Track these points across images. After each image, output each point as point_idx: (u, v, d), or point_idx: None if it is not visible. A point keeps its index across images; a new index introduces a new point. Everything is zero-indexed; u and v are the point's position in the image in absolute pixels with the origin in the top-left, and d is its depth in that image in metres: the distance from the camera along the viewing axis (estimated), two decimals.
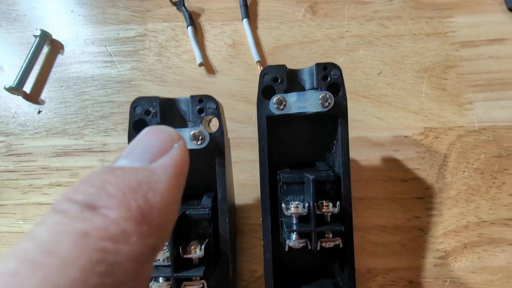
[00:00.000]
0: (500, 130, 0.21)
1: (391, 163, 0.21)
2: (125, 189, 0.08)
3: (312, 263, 0.17)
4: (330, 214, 0.14)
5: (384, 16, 0.24)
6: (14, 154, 0.22)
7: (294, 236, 0.14)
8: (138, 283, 0.07)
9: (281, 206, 0.15)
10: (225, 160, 0.14)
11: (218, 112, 0.14)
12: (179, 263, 0.14)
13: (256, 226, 0.20)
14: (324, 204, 0.14)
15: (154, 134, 0.09)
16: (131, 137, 0.14)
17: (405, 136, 0.21)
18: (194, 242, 0.14)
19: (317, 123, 0.17)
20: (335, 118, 0.15)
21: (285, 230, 0.14)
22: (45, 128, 0.22)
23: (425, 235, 0.20)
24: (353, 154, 0.20)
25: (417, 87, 0.22)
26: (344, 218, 0.15)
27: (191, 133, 0.14)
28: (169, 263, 0.14)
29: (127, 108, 0.21)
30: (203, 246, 0.14)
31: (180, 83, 0.23)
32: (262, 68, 0.21)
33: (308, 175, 0.14)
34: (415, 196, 0.20)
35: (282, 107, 0.15)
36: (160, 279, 0.14)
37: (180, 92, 0.23)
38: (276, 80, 0.15)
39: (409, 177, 0.21)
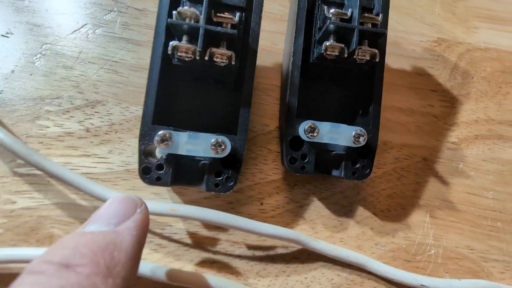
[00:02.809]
0: (503, 52, 0.23)
1: (408, 59, 0.21)
2: (95, 249, 0.09)
3: (336, 98, 0.16)
4: (371, 25, 0.14)
5: None
6: None
7: (331, 38, 0.14)
8: None
9: (322, 11, 0.14)
10: None
11: None
12: (210, 23, 0.12)
13: (272, 86, 0.19)
14: (366, 15, 0.14)
15: (119, 201, 0.11)
16: None
17: (421, 41, 0.22)
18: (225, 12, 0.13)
19: None
20: None
21: (320, 36, 0.14)
22: None
23: (439, 121, 0.19)
24: None
25: (431, 8, 0.24)
26: (382, 41, 0.14)
27: None
28: (197, 24, 0.12)
29: None
30: (237, 16, 0.13)
31: None
32: None
33: None
34: (430, 89, 0.21)
35: None
36: (184, 40, 0.12)
37: None
38: None
39: (424, 73, 0.21)
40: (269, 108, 0.19)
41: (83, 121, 0.16)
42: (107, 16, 0.19)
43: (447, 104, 0.20)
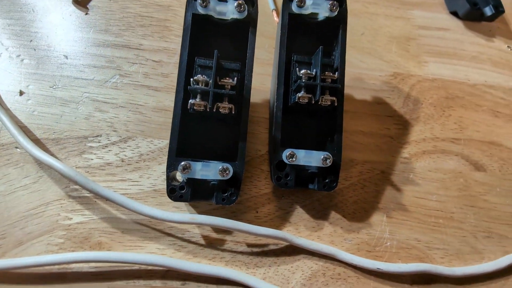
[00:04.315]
0: (447, 82, 0.28)
1: (369, 91, 0.27)
2: None
3: (310, 130, 0.21)
4: (330, 80, 0.19)
5: (366, 1, 0.32)
6: (57, 39, 0.24)
7: (303, 90, 0.19)
8: None
9: (295, 70, 0.19)
10: (255, 33, 0.19)
11: None
12: (216, 87, 0.17)
13: (262, 118, 0.24)
14: (326, 73, 0.19)
15: None
16: (189, 4, 0.19)
17: (380, 75, 0.28)
18: (227, 78, 0.18)
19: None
20: (338, 24, 0.21)
21: (294, 87, 0.19)
22: (90, 25, 0.25)
23: (394, 141, 0.25)
24: None
25: (389, 46, 0.30)
26: (339, 91, 0.20)
27: (235, 4, 0.19)
28: (207, 87, 0.17)
29: (164, 23, 0.26)
30: (235, 78, 0.18)
31: None
32: (277, 16, 0.28)
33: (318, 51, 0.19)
34: (387, 115, 0.26)
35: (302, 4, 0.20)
36: (198, 97, 0.17)
37: None
38: None
39: (382, 101, 0.26)
40: (260, 137, 0.24)
41: (118, 153, 0.21)
42: (131, 67, 0.24)
43: (400, 126, 0.26)
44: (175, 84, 0.24)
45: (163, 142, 0.22)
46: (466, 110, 0.27)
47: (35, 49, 0.24)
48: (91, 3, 0.27)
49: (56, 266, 0.17)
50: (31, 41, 0.24)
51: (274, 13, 0.30)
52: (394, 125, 0.26)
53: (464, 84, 0.29)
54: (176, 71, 0.25)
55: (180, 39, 0.26)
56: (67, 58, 0.24)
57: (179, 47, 0.25)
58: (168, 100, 0.24)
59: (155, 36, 0.26)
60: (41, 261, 0.17)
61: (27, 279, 0.17)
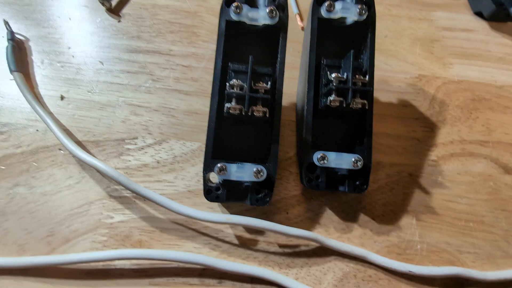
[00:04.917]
0: (473, 84, 0.28)
1: (394, 93, 0.27)
2: None
3: (339, 132, 0.21)
4: (361, 83, 0.19)
5: (389, 3, 0.32)
6: (93, 45, 0.26)
7: (334, 94, 0.19)
8: None
9: (325, 74, 0.20)
10: (286, 38, 0.20)
11: (286, 2, 0.20)
12: (251, 91, 0.18)
13: (289, 121, 0.24)
14: (357, 76, 0.20)
15: None
16: (223, 12, 0.19)
17: (405, 78, 0.28)
18: (260, 82, 0.18)
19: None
20: (367, 28, 0.21)
21: (325, 90, 0.19)
22: (122, 32, 0.27)
23: (421, 144, 0.25)
24: None
25: (413, 49, 0.30)
26: (369, 94, 0.20)
27: (267, 10, 0.19)
28: (243, 92, 0.18)
29: (192, 29, 0.27)
30: (268, 83, 0.18)
31: None
32: (300, 19, 0.29)
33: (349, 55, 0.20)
34: (413, 117, 0.26)
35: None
36: (233, 101, 0.18)
37: None
38: None
39: (408, 104, 0.26)
40: (288, 139, 0.24)
41: (154, 155, 0.22)
42: (163, 72, 0.25)
43: (427, 129, 0.26)
44: (204, 88, 0.25)
45: (195, 144, 0.23)
46: (494, 112, 0.27)
47: (73, 56, 0.25)
48: (123, 11, 0.28)
49: (101, 263, 0.18)
50: (69, 48, 0.26)
51: (298, 17, 0.31)
52: (420, 127, 0.26)
53: (491, 86, 0.28)
54: (205, 76, 0.26)
55: (208, 44, 0.27)
56: (102, 64, 0.25)
57: (207, 52, 0.27)
58: (199, 104, 0.24)
59: (184, 42, 0.27)
60: (88, 257, 0.18)
61: (75, 274, 0.18)
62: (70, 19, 0.27)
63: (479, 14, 0.33)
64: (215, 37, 0.27)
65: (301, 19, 0.30)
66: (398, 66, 0.29)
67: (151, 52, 0.26)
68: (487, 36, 0.31)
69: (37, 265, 0.18)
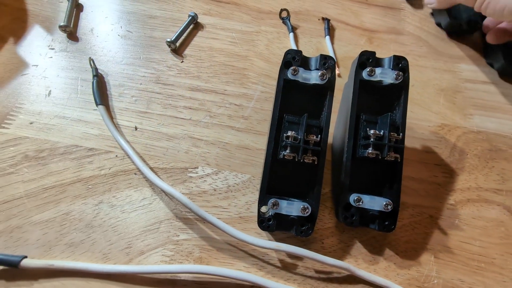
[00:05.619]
0: (491, 135, 0.31)
1: (418, 140, 0.30)
2: None
3: (372, 177, 0.25)
4: (395, 140, 0.23)
5: (416, 54, 0.36)
6: (161, 83, 0.30)
7: (371, 147, 0.23)
8: None
9: (364, 128, 0.23)
10: (333, 97, 0.23)
11: (334, 66, 0.24)
12: (304, 143, 0.22)
13: (326, 161, 0.28)
14: (392, 133, 0.23)
15: None
16: (281, 72, 0.23)
17: (428, 126, 0.31)
18: (311, 135, 0.22)
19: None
20: (401, 90, 0.25)
21: (363, 143, 0.23)
22: (184, 72, 0.31)
23: (441, 188, 0.28)
24: None
25: (437, 98, 0.33)
26: (401, 149, 0.23)
27: (319, 74, 0.23)
28: (296, 142, 0.22)
29: (242, 71, 0.31)
30: (319, 136, 0.22)
31: (278, 64, 0.33)
32: (337, 67, 0.33)
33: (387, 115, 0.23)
34: (435, 163, 0.29)
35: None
36: (288, 149, 0.21)
37: (274, 68, 0.32)
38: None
39: (431, 150, 0.30)
40: (324, 177, 0.27)
41: (211, 183, 0.26)
42: (218, 110, 0.29)
43: (447, 175, 0.29)
44: (253, 125, 0.29)
45: (245, 176, 0.26)
46: (509, 163, 0.30)
47: (144, 91, 0.30)
48: (184, 52, 0.33)
49: (169, 275, 0.22)
50: (141, 84, 0.30)
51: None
52: (441, 173, 0.29)
53: (507, 137, 0.31)
54: (254, 115, 0.30)
55: (256, 86, 0.31)
56: (169, 100, 0.30)
57: (255, 93, 0.31)
58: (248, 140, 0.28)
59: (236, 83, 0.31)
60: (160, 269, 0.21)
61: (148, 282, 0.22)
62: (140, 58, 0.32)
63: (492, 65, 0.35)
64: (262, 79, 0.32)
65: (338, 66, 0.34)
66: (422, 114, 0.32)
67: (209, 91, 0.30)
68: (507, 89, 0.34)
69: (119, 272, 0.21)
